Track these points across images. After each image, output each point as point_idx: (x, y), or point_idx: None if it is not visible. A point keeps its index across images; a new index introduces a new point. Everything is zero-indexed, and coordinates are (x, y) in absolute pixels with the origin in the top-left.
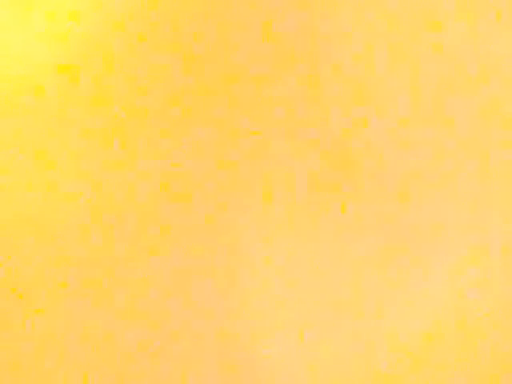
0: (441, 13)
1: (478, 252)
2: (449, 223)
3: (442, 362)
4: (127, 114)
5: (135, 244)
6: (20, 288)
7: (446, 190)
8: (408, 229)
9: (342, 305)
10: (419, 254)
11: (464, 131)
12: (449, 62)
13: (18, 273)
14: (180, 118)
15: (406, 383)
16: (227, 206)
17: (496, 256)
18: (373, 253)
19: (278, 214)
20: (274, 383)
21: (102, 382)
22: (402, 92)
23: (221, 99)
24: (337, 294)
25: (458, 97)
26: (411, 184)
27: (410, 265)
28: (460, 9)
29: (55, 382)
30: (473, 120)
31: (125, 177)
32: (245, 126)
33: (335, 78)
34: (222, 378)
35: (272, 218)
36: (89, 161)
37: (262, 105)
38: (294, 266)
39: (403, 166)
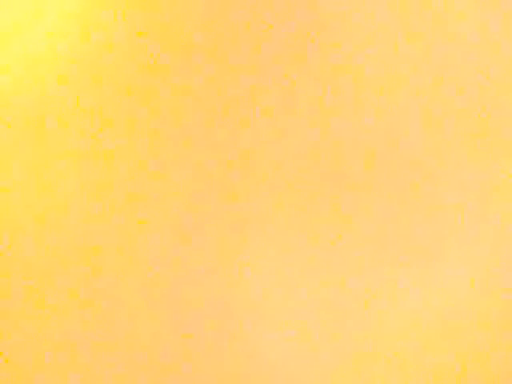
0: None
1: (477, 252)
2: (449, 223)
3: (442, 362)
4: (130, 116)
5: (135, 242)
6: (20, 284)
7: (446, 191)
8: (408, 230)
9: (342, 304)
10: (419, 255)
11: (465, 132)
12: (452, 64)
13: (17, 269)
14: (184, 122)
15: (405, 382)
16: (228, 206)
17: (496, 260)
18: (373, 253)
19: (279, 215)
20: (273, 382)
21: (101, 374)
22: (402, 92)
23: (221, 98)
24: (337, 293)
25: (461, 98)
26: (411, 185)
27: (411, 265)
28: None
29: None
30: (475, 120)
31: (126, 175)
32: (245, 127)
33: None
34: (221, 378)
35: (273, 219)
36: (91, 166)
37: (259, 101)
38: (295, 264)
39: (403, 167)
